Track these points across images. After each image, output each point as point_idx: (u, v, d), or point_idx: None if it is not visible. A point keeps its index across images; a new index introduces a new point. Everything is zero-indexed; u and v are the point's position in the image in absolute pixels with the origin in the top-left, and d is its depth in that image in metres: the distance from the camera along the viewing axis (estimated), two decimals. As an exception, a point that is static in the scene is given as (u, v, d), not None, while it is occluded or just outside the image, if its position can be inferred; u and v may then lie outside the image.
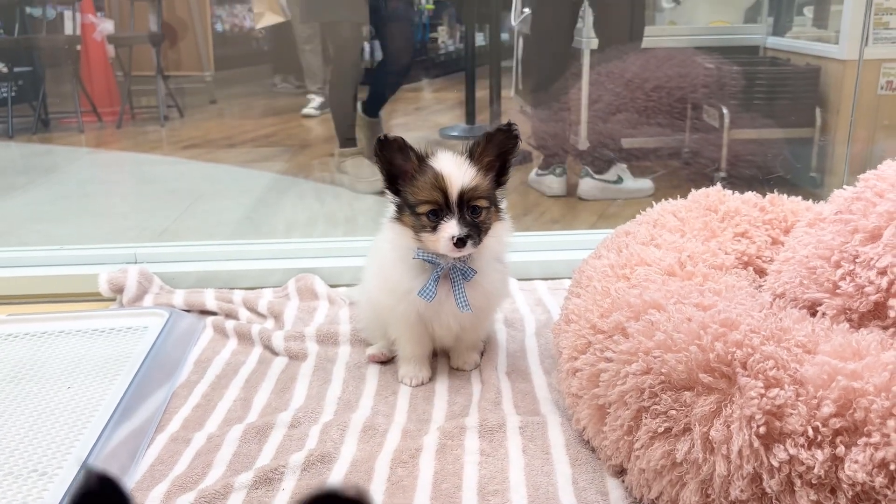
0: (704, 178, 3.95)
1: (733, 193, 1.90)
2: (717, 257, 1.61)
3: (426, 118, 6.19)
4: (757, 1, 4.73)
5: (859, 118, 3.58)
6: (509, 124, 1.60)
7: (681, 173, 4.05)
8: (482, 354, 1.93)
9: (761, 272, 1.69)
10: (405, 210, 1.62)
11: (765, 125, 4.01)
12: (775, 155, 4.08)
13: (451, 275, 1.68)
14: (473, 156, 1.59)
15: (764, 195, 1.89)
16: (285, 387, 1.83)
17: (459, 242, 1.54)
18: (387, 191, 1.65)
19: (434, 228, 1.57)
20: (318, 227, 3.35)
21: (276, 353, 1.99)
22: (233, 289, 2.40)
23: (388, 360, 1.92)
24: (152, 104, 5.42)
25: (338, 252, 2.49)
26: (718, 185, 1.90)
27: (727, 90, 4.05)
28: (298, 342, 2.00)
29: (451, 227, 1.55)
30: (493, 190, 1.63)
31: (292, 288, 2.36)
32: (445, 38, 8.63)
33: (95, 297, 2.34)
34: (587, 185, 3.91)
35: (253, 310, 2.24)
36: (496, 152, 1.61)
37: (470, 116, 5.18)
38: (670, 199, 1.92)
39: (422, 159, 1.59)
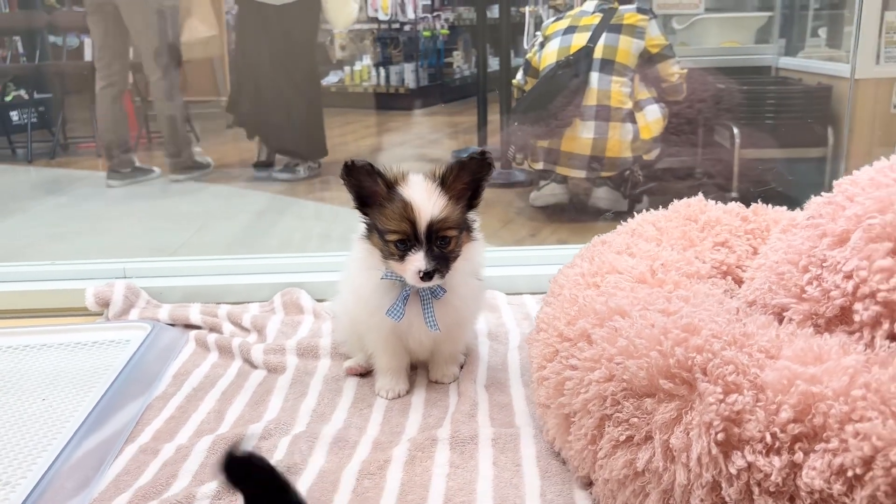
0: (716, 197, 3.91)
1: (716, 203, 1.87)
2: (692, 266, 1.58)
3: (440, 141, 6.21)
4: (768, 22, 4.76)
5: (872, 136, 3.59)
6: (483, 152, 1.57)
7: (691, 193, 4.04)
8: (462, 367, 1.90)
9: (740, 282, 1.65)
10: (374, 231, 1.59)
11: (776, 145, 4.02)
12: (784, 174, 4.08)
13: (421, 293, 1.66)
14: (445, 183, 1.55)
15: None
16: (261, 399, 1.81)
17: (426, 276, 1.51)
18: (358, 210, 1.63)
19: (402, 258, 1.54)
20: (311, 244, 3.36)
21: (255, 367, 1.97)
22: (220, 303, 2.39)
23: (366, 373, 1.90)
24: None
25: (326, 267, 2.47)
26: (700, 195, 1.87)
27: (738, 110, 4.07)
28: (278, 355, 1.99)
29: (418, 261, 1.51)
30: (463, 217, 1.59)
31: (278, 302, 2.35)
32: (461, 63, 8.68)
33: (83, 312, 2.34)
34: (602, 193, 3.93)
35: (237, 324, 2.23)
36: (469, 178, 1.57)
37: (482, 140, 5.20)
38: (651, 210, 1.89)
39: (391, 186, 1.54)
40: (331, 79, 7.93)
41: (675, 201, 1.90)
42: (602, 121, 3.79)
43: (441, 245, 1.54)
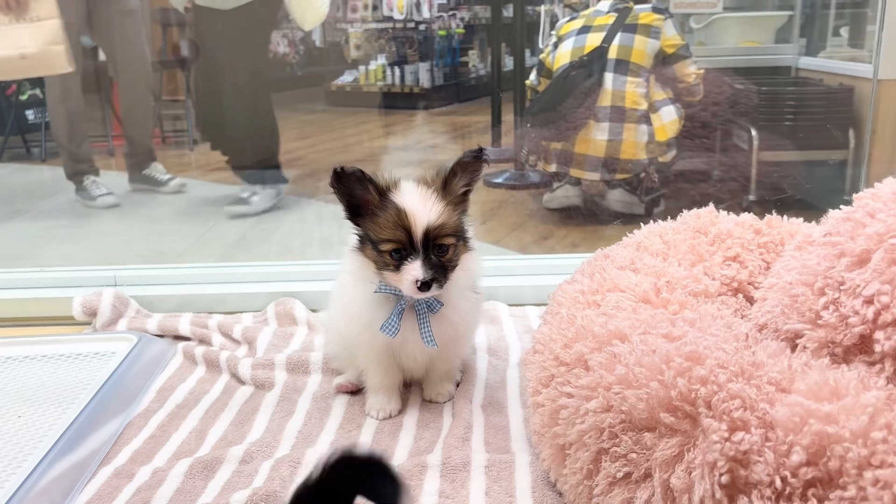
0: (733, 203, 3.87)
1: (728, 214, 1.77)
2: (700, 283, 1.47)
3: (453, 142, 6.12)
4: (788, 21, 4.67)
5: (896, 140, 3.46)
6: (480, 149, 1.49)
7: (707, 197, 3.95)
8: (458, 385, 1.81)
9: (752, 300, 1.55)
10: (367, 242, 1.51)
11: (795, 147, 3.94)
12: (802, 179, 3.98)
13: (417, 307, 1.57)
14: (442, 188, 1.47)
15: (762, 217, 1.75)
16: (245, 418, 1.72)
17: (424, 286, 1.43)
18: (349, 221, 1.55)
19: (397, 268, 1.45)
20: (311, 250, 3.28)
21: (242, 382, 1.89)
22: (212, 313, 2.31)
23: (357, 391, 1.81)
24: (183, 128, 5.48)
25: (322, 275, 2.38)
26: (711, 206, 1.77)
27: (757, 111, 3.98)
28: (266, 370, 1.90)
29: (415, 270, 1.43)
30: (461, 223, 1.51)
31: (271, 312, 2.26)
32: (476, 62, 8.59)
33: (70, 322, 2.26)
34: (617, 195, 3.86)
35: (227, 335, 2.15)
36: (467, 180, 1.50)
37: (496, 140, 5.12)
38: (659, 221, 1.79)
39: (383, 193, 1.46)
40: (345, 78, 7.88)
41: (685, 212, 1.80)
42: (616, 122, 3.72)
43: (439, 253, 1.46)
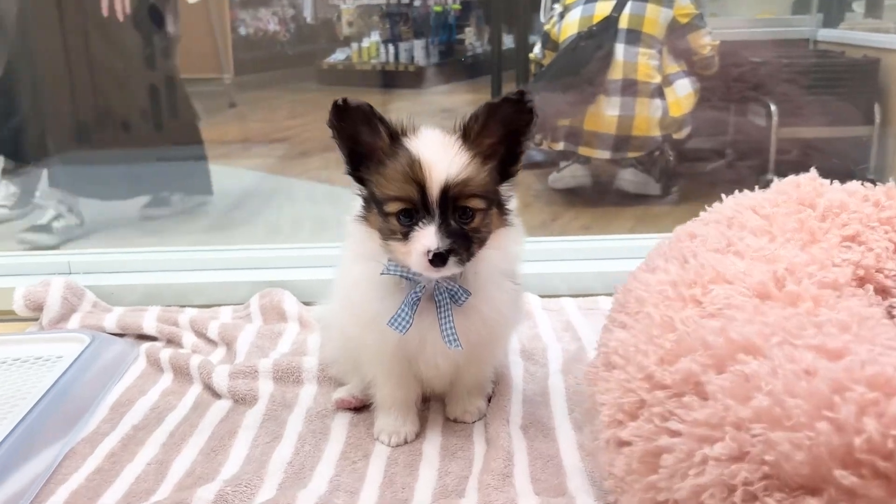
0: (749, 181, 3.59)
1: (831, 183, 1.39)
2: (828, 271, 1.09)
3: (450, 121, 5.80)
4: (805, -8, 4.38)
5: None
6: (521, 93, 1.13)
7: (721, 175, 3.76)
8: (490, 400, 1.43)
9: (884, 292, 1.17)
10: (373, 206, 1.19)
11: (817, 123, 3.73)
12: (826, 154, 3.76)
13: (437, 297, 1.21)
14: (469, 136, 1.16)
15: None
16: (220, 444, 1.35)
17: (437, 259, 1.10)
18: (351, 178, 1.21)
19: (406, 235, 1.13)
20: (302, 233, 2.91)
21: (217, 395, 1.51)
22: (184, 306, 1.93)
23: (361, 407, 1.44)
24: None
25: (316, 261, 2.00)
26: (813, 172, 1.40)
27: (775, 86, 3.76)
28: (248, 380, 1.53)
29: (426, 237, 1.11)
30: (494, 184, 1.19)
31: (255, 306, 1.89)
32: (473, 40, 8.20)
33: (12, 317, 1.88)
34: (629, 175, 3.64)
35: (201, 334, 1.77)
36: (502, 131, 1.17)
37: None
38: (745, 191, 1.41)
39: (395, 137, 1.16)
40: (337, 56, 7.51)
41: (778, 180, 1.43)
42: (628, 96, 3.50)
43: (461, 219, 1.15)
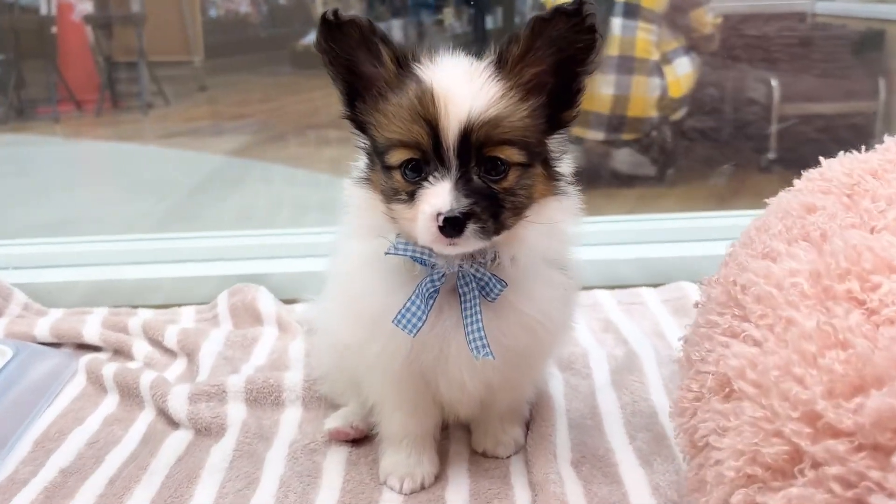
0: (750, 161, 3.49)
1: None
2: None
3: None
4: (800, -37, 4.25)
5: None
6: (579, 3, 0.83)
7: (720, 154, 3.58)
8: (527, 426, 1.11)
9: None
10: (376, 162, 0.92)
11: (819, 98, 3.57)
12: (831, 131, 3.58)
13: (461, 288, 0.91)
14: (505, 62, 0.88)
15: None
16: (176, 493, 1.03)
17: (451, 225, 0.82)
18: (350, 123, 0.93)
19: (412, 195, 0.87)
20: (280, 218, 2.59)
21: (174, 424, 1.18)
22: (137, 307, 1.59)
23: (362, 439, 1.11)
24: (136, 91, 4.99)
25: (297, 250, 1.67)
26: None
27: (775, 61, 3.61)
28: (214, 403, 1.21)
29: (437, 194, 0.84)
30: (538, 132, 0.90)
31: (223, 306, 1.56)
32: (452, 21, 7.89)
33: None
34: (624, 155, 3.48)
35: (157, 342, 1.44)
36: (552, 58, 0.88)
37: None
38: (849, 154, 1.09)
39: (403, 63, 0.89)
40: (312, 38, 7.26)
41: (887, 137, 1.10)
42: (625, 74, 3.33)
43: (488, 174, 0.87)
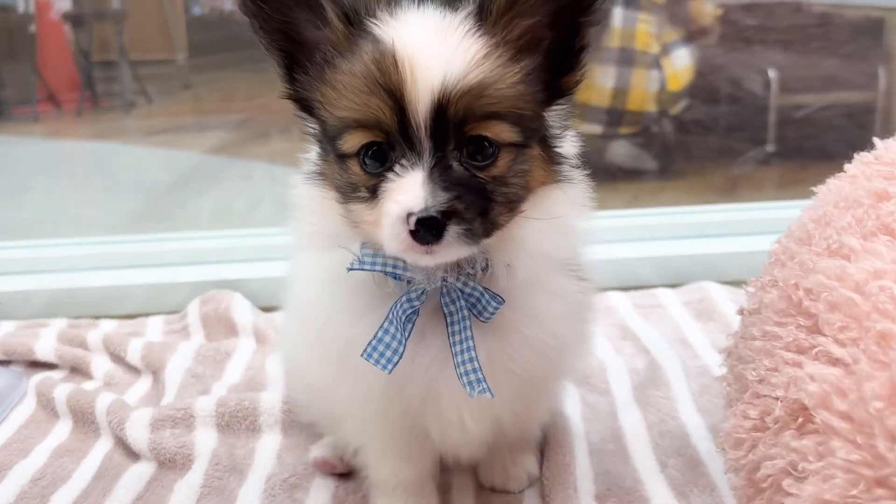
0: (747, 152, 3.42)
1: None
2: None
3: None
4: (794, -49, 4.21)
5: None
6: None
7: (717, 148, 3.52)
8: (542, 454, 0.96)
9: None
10: (329, 150, 0.74)
11: (817, 89, 3.51)
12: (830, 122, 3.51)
13: (447, 307, 0.73)
14: (488, 13, 0.70)
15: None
16: None
17: (427, 229, 0.64)
18: (292, 103, 0.76)
19: (374, 191, 0.68)
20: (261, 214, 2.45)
21: (134, 455, 1.03)
22: (100, 318, 1.43)
23: (351, 472, 0.95)
24: (117, 90, 4.90)
25: (276, 252, 1.52)
26: None
27: (771, 51, 3.54)
28: (180, 430, 1.05)
29: (407, 190, 0.66)
30: (535, 102, 0.71)
31: (194, 315, 1.40)
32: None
33: None
34: (622, 148, 3.37)
35: (119, 358, 1.28)
36: (550, 5, 0.71)
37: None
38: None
39: (354, 19, 0.72)
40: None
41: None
42: (625, 66, 3.26)
43: (472, 159, 0.69)
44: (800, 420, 0.62)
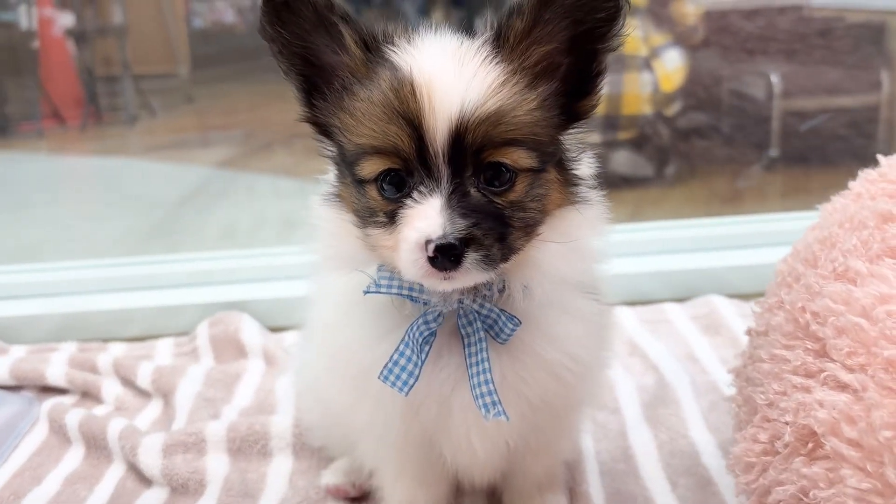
0: (751, 160, 3.40)
1: None
2: None
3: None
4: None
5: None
6: None
7: (719, 154, 3.50)
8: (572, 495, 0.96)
9: None
10: (347, 174, 0.75)
11: (820, 93, 3.50)
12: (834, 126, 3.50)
13: (463, 329, 0.74)
14: (506, 40, 0.71)
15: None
16: None
17: (445, 256, 0.65)
18: (311, 126, 0.76)
19: (392, 216, 0.69)
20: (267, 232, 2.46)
21: (147, 481, 1.03)
22: (109, 341, 1.44)
23: (364, 497, 0.96)
24: (121, 104, 4.89)
25: (284, 272, 1.53)
26: None
27: (773, 55, 3.55)
28: (192, 456, 1.06)
29: (426, 217, 0.66)
30: (552, 127, 0.72)
31: (203, 338, 1.40)
32: (441, 23, 7.94)
33: None
34: (622, 157, 3.37)
35: (129, 382, 1.29)
36: (566, 33, 0.72)
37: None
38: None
39: (372, 46, 0.72)
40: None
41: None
42: (615, 72, 3.21)
43: (490, 186, 0.70)
44: (810, 446, 0.62)
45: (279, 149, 3.95)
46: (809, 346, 0.69)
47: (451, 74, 0.68)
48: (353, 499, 0.96)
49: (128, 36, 4.79)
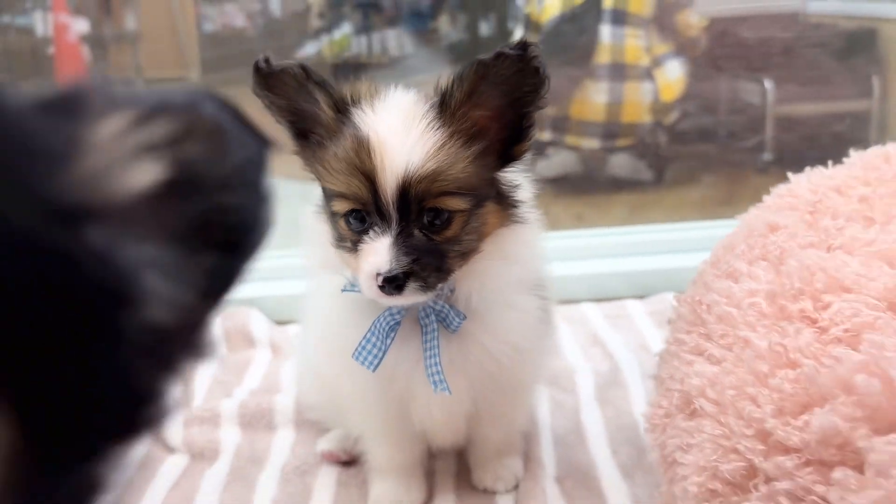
0: (746, 163, 3.44)
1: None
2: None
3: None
4: (789, -37, 4.22)
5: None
6: (523, 45, 0.80)
7: (717, 157, 3.53)
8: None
9: None
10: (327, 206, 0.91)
11: (813, 99, 3.56)
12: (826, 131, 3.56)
13: (422, 320, 0.91)
14: (448, 106, 0.85)
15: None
16: None
17: (390, 285, 0.82)
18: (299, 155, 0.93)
19: (356, 245, 0.86)
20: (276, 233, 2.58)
21: (169, 449, 1.21)
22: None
23: (353, 461, 1.14)
24: None
25: (289, 272, 1.70)
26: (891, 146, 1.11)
27: (768, 62, 3.58)
28: (208, 428, 1.23)
29: (377, 254, 0.82)
30: (485, 173, 0.87)
31: (218, 330, 1.57)
32: (447, 28, 7.90)
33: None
34: (621, 161, 3.38)
35: (153, 369, 1.46)
36: (498, 101, 0.85)
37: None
38: (818, 168, 1.13)
39: (341, 107, 0.86)
40: (308, 50, 7.24)
41: (853, 152, 1.14)
42: (617, 81, 3.28)
43: (432, 226, 0.85)
44: (691, 407, 0.79)
45: (286, 152, 4.11)
46: (701, 332, 0.86)
47: (399, 139, 0.82)
48: (345, 462, 1.13)
49: (140, 41, 4.92)
